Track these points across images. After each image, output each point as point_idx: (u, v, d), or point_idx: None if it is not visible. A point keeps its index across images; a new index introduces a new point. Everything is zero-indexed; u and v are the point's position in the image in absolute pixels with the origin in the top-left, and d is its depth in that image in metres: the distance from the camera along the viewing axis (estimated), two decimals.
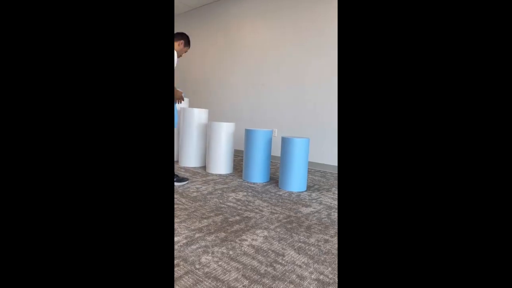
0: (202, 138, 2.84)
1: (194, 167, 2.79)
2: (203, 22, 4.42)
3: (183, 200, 1.73)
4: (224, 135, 2.56)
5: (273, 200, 1.83)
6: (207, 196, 1.83)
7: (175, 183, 2.25)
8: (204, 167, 2.81)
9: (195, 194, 1.87)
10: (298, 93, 3.28)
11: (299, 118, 3.28)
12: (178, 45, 2.11)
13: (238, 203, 1.73)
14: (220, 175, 2.53)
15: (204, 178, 2.34)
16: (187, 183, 2.23)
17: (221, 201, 1.75)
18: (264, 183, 2.28)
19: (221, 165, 2.59)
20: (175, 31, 4.85)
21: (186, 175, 2.42)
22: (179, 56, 2.13)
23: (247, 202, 1.75)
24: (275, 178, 2.48)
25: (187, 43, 2.16)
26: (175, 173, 2.38)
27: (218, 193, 1.93)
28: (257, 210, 1.62)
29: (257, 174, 2.32)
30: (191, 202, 1.70)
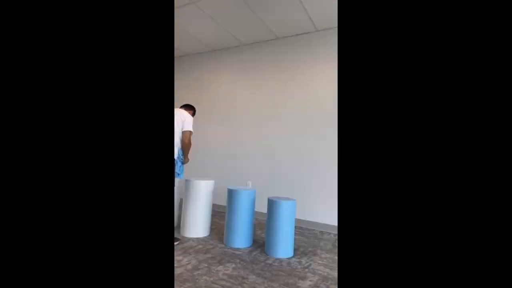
0: (175, 192, 2.63)
1: None
2: (180, 71, 4.44)
3: None
4: (204, 195, 2.42)
5: (267, 273, 1.71)
6: (194, 273, 1.64)
7: None
8: (176, 227, 2.56)
9: (179, 270, 1.66)
10: (273, 144, 3.36)
11: (272, 170, 3.32)
12: (189, 113, 2.49)
13: (231, 280, 1.58)
14: (197, 239, 2.32)
15: (181, 245, 2.12)
16: (178, 244, 2.11)
17: (211, 279, 1.58)
18: (249, 248, 2.15)
19: (198, 227, 2.39)
20: None
21: None
22: None
23: (240, 279, 1.60)
24: (258, 241, 2.37)
25: (195, 113, 2.63)
26: None
27: (205, 267, 1.74)
28: None
29: (241, 239, 2.19)
30: (179, 283, 1.49)
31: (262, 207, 3.27)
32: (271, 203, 2.09)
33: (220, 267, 1.75)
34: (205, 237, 2.39)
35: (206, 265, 1.77)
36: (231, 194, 2.26)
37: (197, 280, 1.55)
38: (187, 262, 1.79)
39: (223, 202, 3.58)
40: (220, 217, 3.21)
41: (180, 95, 4.25)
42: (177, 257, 1.87)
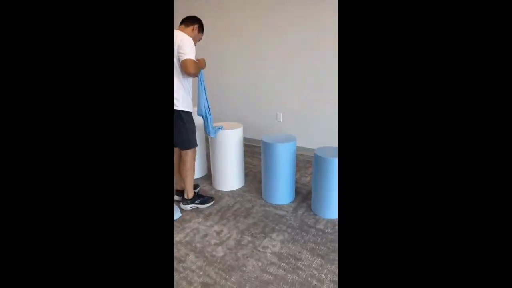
0: (200, 141, 2.25)
1: (196, 179, 2.30)
2: None
3: (211, 271, 1.31)
4: (233, 147, 2.03)
5: (322, 247, 1.46)
6: (238, 255, 1.42)
7: (200, 206, 1.89)
8: (206, 178, 2.33)
9: (220, 251, 1.45)
10: (305, 66, 2.69)
11: (306, 97, 2.76)
12: (192, 30, 1.69)
13: (283, 264, 1.35)
14: (232, 192, 2.08)
15: (218, 206, 1.89)
16: (213, 204, 1.91)
17: (260, 264, 1.36)
18: (292, 205, 1.89)
19: (231, 181, 2.12)
20: None
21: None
22: (194, 43, 1.68)
23: (294, 261, 1.37)
24: (301, 191, 2.09)
25: (201, 28, 1.76)
26: (199, 192, 1.96)
27: (249, 242, 1.52)
28: (319, 281, 1.25)
29: (282, 195, 1.90)
30: (224, 274, 1.29)
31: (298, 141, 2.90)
32: (320, 161, 1.68)
33: (266, 241, 1.52)
34: (241, 188, 2.15)
35: (249, 238, 1.55)
36: (267, 148, 1.84)
37: (243, 268, 1.33)
38: (227, 235, 1.58)
39: (250, 135, 3.23)
40: (251, 154, 2.92)
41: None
42: (216, 227, 1.65)
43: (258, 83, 3.06)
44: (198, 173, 2.31)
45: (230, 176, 2.11)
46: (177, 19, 1.73)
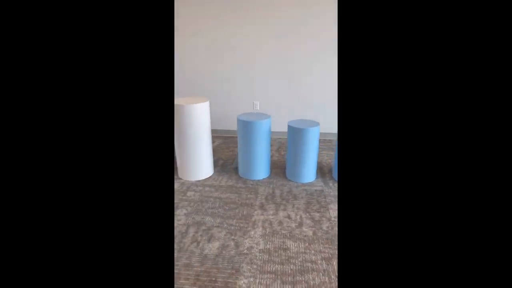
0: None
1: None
2: None
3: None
4: (201, 123, 1.95)
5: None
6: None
7: None
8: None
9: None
10: (284, 56, 2.91)
11: (281, 86, 3.02)
12: None
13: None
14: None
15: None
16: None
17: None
18: (271, 179, 2.18)
19: (203, 167, 2.12)
20: None
21: None
22: None
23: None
24: (275, 163, 2.29)
25: None
26: None
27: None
28: None
29: (260, 170, 2.16)
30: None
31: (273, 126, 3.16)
32: (294, 131, 2.00)
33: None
34: (211, 175, 2.20)
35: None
36: (243, 126, 2.02)
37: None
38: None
39: (224, 126, 3.24)
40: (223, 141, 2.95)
41: None
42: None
43: (233, 72, 3.05)
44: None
45: (201, 164, 2.10)
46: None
